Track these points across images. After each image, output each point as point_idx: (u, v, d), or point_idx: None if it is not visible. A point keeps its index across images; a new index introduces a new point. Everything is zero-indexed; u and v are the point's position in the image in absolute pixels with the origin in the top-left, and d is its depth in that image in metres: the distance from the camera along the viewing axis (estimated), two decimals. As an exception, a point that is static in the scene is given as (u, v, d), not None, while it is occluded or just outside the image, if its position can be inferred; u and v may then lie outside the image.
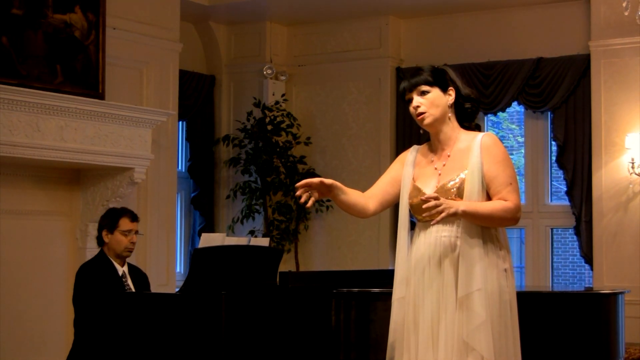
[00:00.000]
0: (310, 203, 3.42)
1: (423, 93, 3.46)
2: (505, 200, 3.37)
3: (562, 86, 8.30)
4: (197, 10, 8.72)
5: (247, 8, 8.82)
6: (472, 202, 3.35)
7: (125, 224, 5.17)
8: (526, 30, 8.61)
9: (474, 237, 3.36)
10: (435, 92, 3.47)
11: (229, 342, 4.29)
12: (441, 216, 3.25)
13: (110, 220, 5.18)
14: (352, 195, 3.55)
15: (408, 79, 3.51)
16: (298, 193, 3.41)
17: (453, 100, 3.49)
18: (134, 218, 5.23)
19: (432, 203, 3.26)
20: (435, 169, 3.50)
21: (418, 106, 3.46)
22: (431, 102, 3.45)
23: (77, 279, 5.11)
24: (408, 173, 3.55)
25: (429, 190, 3.43)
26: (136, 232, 5.22)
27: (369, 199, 3.59)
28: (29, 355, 6.85)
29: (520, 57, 8.51)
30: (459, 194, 3.39)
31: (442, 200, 3.28)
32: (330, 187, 3.45)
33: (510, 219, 3.38)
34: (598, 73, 8.08)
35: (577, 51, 8.30)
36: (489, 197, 3.42)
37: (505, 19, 8.69)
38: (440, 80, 3.48)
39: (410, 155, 3.59)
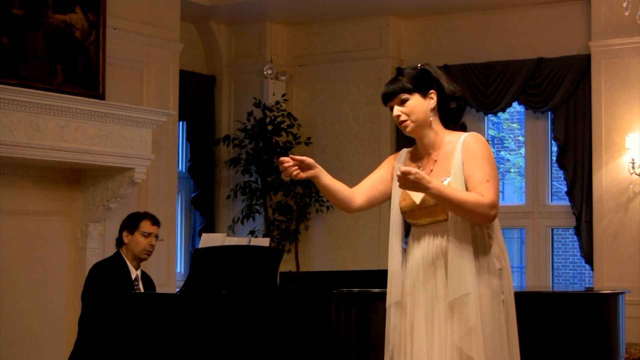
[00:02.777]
0: (294, 174, 3.32)
1: (402, 102, 3.38)
2: (482, 196, 3.27)
3: (563, 86, 8.30)
4: (197, 10, 8.72)
5: (247, 8, 8.82)
6: (449, 187, 3.26)
7: (146, 226, 5.21)
8: (526, 30, 8.60)
9: (463, 240, 3.30)
10: (415, 99, 3.38)
11: (229, 342, 4.29)
12: (407, 177, 3.13)
13: (132, 221, 5.23)
14: (337, 183, 3.47)
15: (387, 86, 3.42)
16: (284, 166, 3.32)
17: (435, 104, 3.41)
18: (155, 222, 5.27)
19: (406, 169, 3.16)
20: None
21: (399, 115, 3.39)
22: (411, 110, 3.37)
23: (89, 276, 5.13)
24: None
25: (418, 196, 3.37)
26: (156, 237, 5.27)
27: (356, 191, 3.51)
28: (28, 355, 6.85)
29: (520, 57, 8.51)
30: None
31: (417, 170, 3.18)
32: (310, 165, 3.34)
33: (481, 213, 3.24)
34: (598, 73, 8.08)
35: (578, 51, 8.30)
36: None
37: (505, 19, 8.69)
38: (420, 84, 3.39)
39: (398, 162, 3.52)
